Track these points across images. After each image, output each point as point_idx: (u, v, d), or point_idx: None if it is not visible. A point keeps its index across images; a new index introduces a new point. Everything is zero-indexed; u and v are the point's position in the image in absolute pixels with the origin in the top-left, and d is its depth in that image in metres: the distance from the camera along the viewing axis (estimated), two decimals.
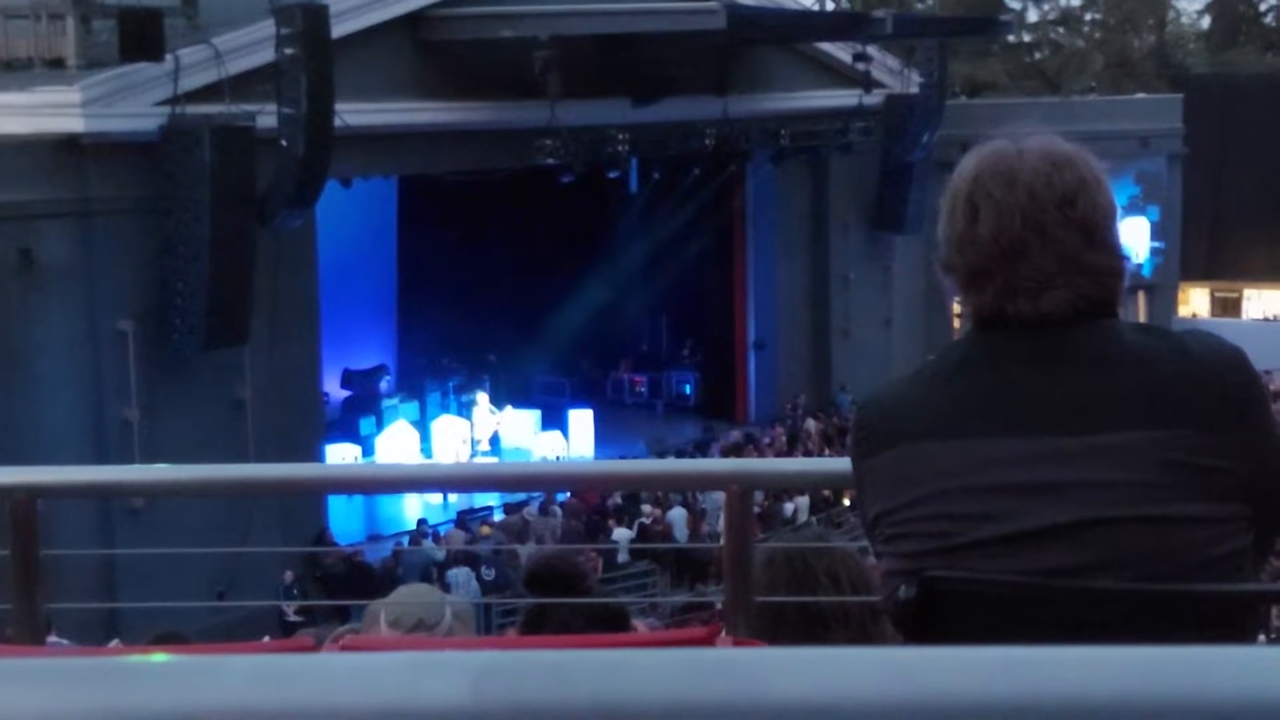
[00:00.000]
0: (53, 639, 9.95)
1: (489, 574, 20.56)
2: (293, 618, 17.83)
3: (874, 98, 29.68)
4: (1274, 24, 55.69)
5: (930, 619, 2.10)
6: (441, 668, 1.01)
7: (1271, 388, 26.25)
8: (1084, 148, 2.22)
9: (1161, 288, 35.82)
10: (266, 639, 13.76)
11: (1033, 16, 53.92)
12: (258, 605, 18.45)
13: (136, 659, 1.04)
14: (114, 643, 9.97)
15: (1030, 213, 2.14)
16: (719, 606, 3.89)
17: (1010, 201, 2.14)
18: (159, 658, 1.06)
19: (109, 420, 19.67)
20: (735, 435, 28.48)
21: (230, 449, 19.55)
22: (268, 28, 19.70)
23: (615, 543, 21.97)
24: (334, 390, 27.47)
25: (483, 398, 28.34)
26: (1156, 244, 35.52)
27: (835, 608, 3.49)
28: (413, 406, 28.24)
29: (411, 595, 4.08)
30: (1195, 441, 2.07)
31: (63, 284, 19.34)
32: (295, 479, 5.15)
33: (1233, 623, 2.07)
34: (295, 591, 19.23)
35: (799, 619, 3.49)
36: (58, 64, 20.02)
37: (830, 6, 36.55)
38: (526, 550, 20.24)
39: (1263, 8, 56.11)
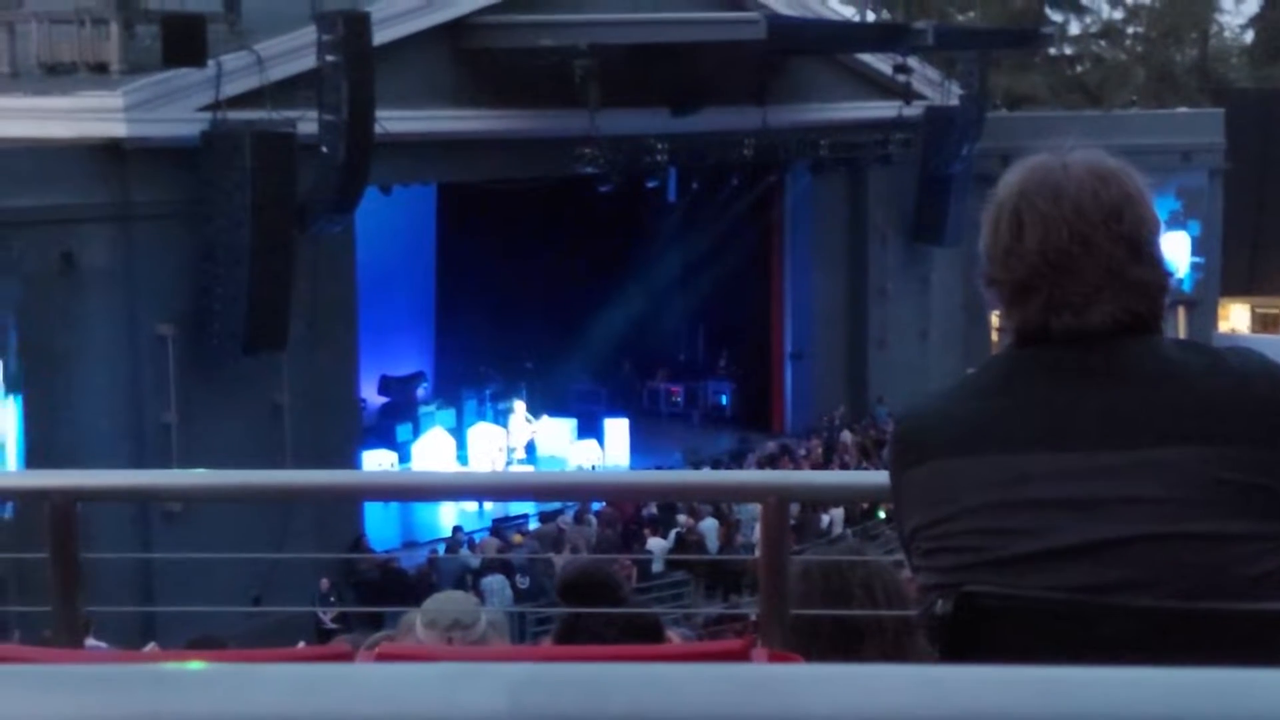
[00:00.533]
0: (91, 642, 10.01)
1: (524, 582, 20.57)
2: (330, 625, 17.87)
3: (914, 109, 29.60)
4: None
5: (967, 634, 2.09)
6: (478, 679, 1.01)
7: None
8: (1127, 162, 2.22)
9: (1202, 303, 35.57)
10: (302, 645, 13.81)
11: (1075, 29, 53.74)
12: (293, 611, 18.51)
13: (172, 666, 1.05)
14: (151, 646, 10.03)
15: (1077, 227, 2.13)
16: (753, 618, 3.88)
17: (1056, 215, 2.14)
18: (196, 665, 1.07)
19: (148, 424, 19.78)
20: (771, 446, 28.43)
21: (267, 454, 19.63)
22: (309, 34, 19.81)
23: (650, 553, 21.95)
24: (371, 396, 27.56)
25: (519, 405, 28.38)
26: (1197, 259, 35.28)
27: (869, 620, 3.48)
28: (449, 414, 28.30)
29: (447, 601, 4.09)
30: (1236, 458, 2.05)
31: (103, 288, 19.47)
32: (332, 485, 5.17)
33: (1271, 642, 2.05)
34: (332, 599, 19.28)
35: (833, 631, 3.48)
36: (101, 69, 20.18)
37: (870, 18, 36.52)
38: (561, 559, 20.26)
39: None
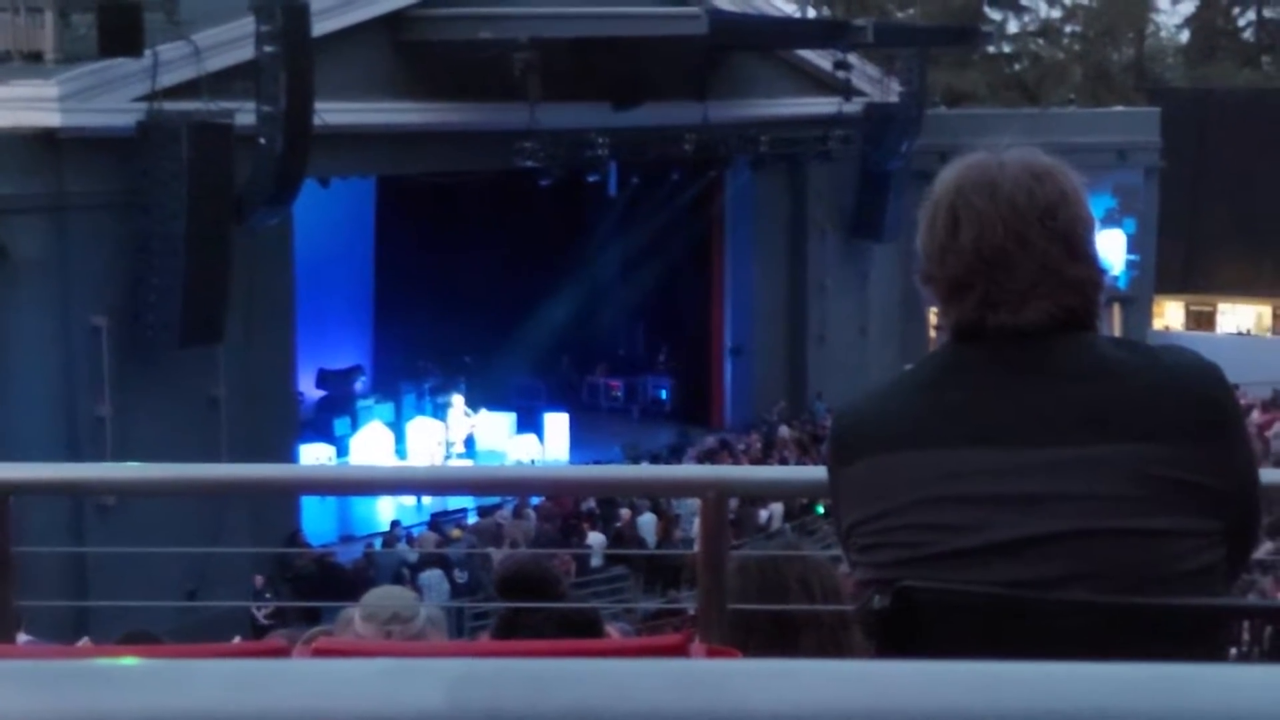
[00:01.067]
0: (23, 637, 9.89)
1: (461, 577, 20.53)
2: (264, 621, 17.73)
3: (854, 106, 29.74)
4: (1251, 39, 56.02)
5: (904, 629, 2.10)
6: (417, 675, 1.01)
7: (1244, 402, 26.44)
8: (1062, 160, 2.23)
9: (1137, 300, 35.95)
10: (237, 640, 13.71)
11: (1013, 28, 54.18)
12: (228, 606, 18.38)
13: (107, 662, 1.03)
14: (84, 641, 9.91)
15: (1012, 224, 2.15)
16: (691, 613, 3.89)
17: (992, 212, 2.15)
18: (130, 661, 1.06)
19: (81, 417, 19.58)
20: (710, 441, 28.49)
21: (203, 447, 19.48)
22: (248, 25, 19.66)
23: (589, 547, 21.94)
24: (309, 390, 27.39)
25: (458, 399, 28.31)
26: (1132, 256, 35.66)
27: (806, 614, 3.50)
28: (388, 407, 28.18)
29: (385, 596, 4.08)
30: (1170, 456, 2.07)
31: (37, 279, 19.26)
32: (267, 479, 5.13)
33: (1205, 637, 2.08)
34: (267, 595, 19.14)
35: (769, 626, 3.49)
36: (35, 58, 19.94)
37: (811, 14, 36.66)
38: (499, 553, 20.21)
39: (1241, 23, 56.44)
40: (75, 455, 18.74)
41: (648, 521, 22.93)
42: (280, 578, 20.77)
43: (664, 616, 18.23)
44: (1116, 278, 34.43)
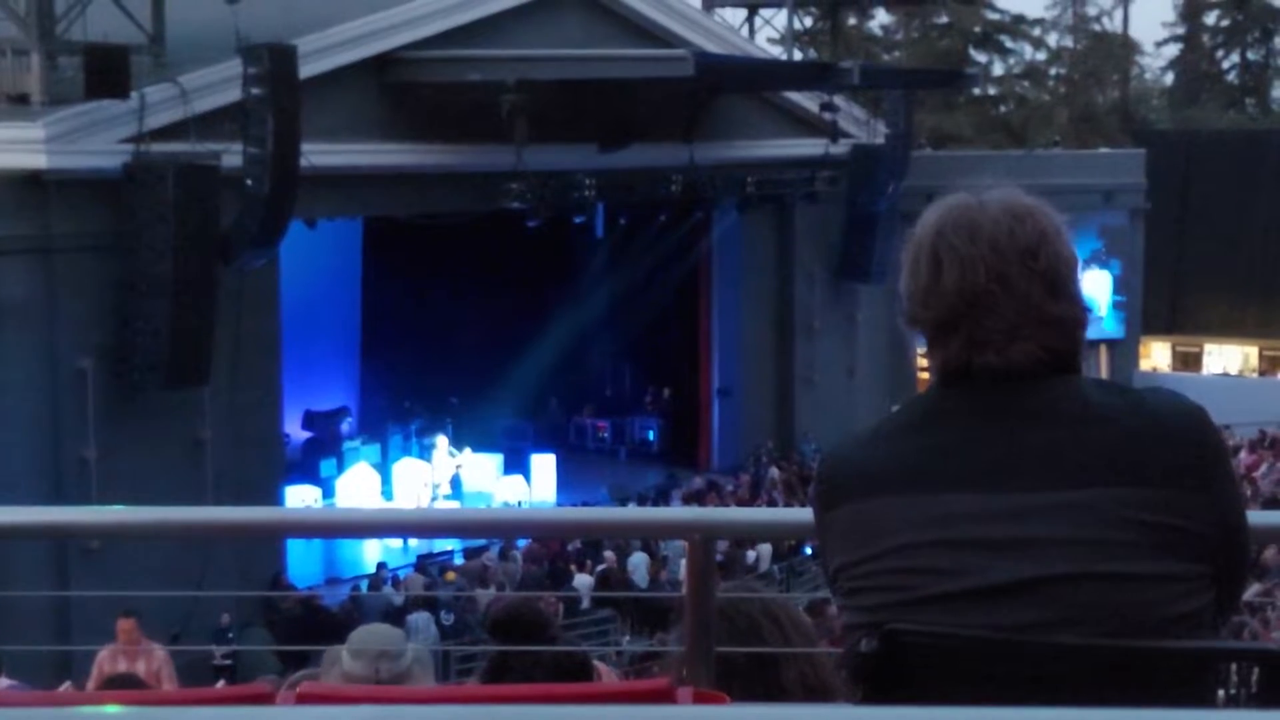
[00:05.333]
0: (4, 681, 9.83)
1: (448, 619, 20.43)
2: (221, 662, 17.50)
3: (840, 147, 29.86)
4: (1235, 82, 56.43)
5: (891, 672, 2.09)
6: None
7: (1231, 443, 26.50)
8: (1044, 200, 2.23)
9: (1123, 342, 36.05)
10: (221, 683, 13.64)
11: (998, 70, 54.56)
12: (213, 649, 18.26)
13: (91, 710, 1.02)
14: (66, 685, 9.86)
15: (994, 265, 2.14)
16: (669, 656, 3.87)
17: (973, 254, 2.15)
18: (113, 709, 1.05)
19: (66, 459, 19.50)
20: (698, 482, 28.46)
21: (189, 489, 19.40)
22: (235, 67, 19.69)
23: (576, 589, 21.86)
24: (295, 431, 27.34)
25: (442, 440, 28.25)
26: (1118, 298, 35.77)
27: (782, 645, 3.51)
28: (374, 449, 28.13)
29: (373, 633, 4.05)
30: (1157, 500, 2.07)
31: (22, 320, 19.21)
32: (253, 522, 5.11)
33: (1193, 680, 2.07)
34: (230, 635, 18.97)
35: (748, 664, 3.49)
36: (22, 100, 19.95)
37: (797, 56, 36.86)
38: (486, 596, 20.14)
39: (1225, 65, 56.87)
40: (60, 497, 18.65)
41: (639, 562, 22.84)
42: (264, 620, 20.65)
43: (652, 659, 18.16)
44: (1102, 319, 34.55)
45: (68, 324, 19.56)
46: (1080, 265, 2.24)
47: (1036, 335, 2.14)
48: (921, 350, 2.26)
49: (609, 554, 22.97)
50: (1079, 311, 2.19)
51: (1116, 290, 35.50)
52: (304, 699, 3.15)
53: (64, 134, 19.58)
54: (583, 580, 22.29)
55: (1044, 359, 2.15)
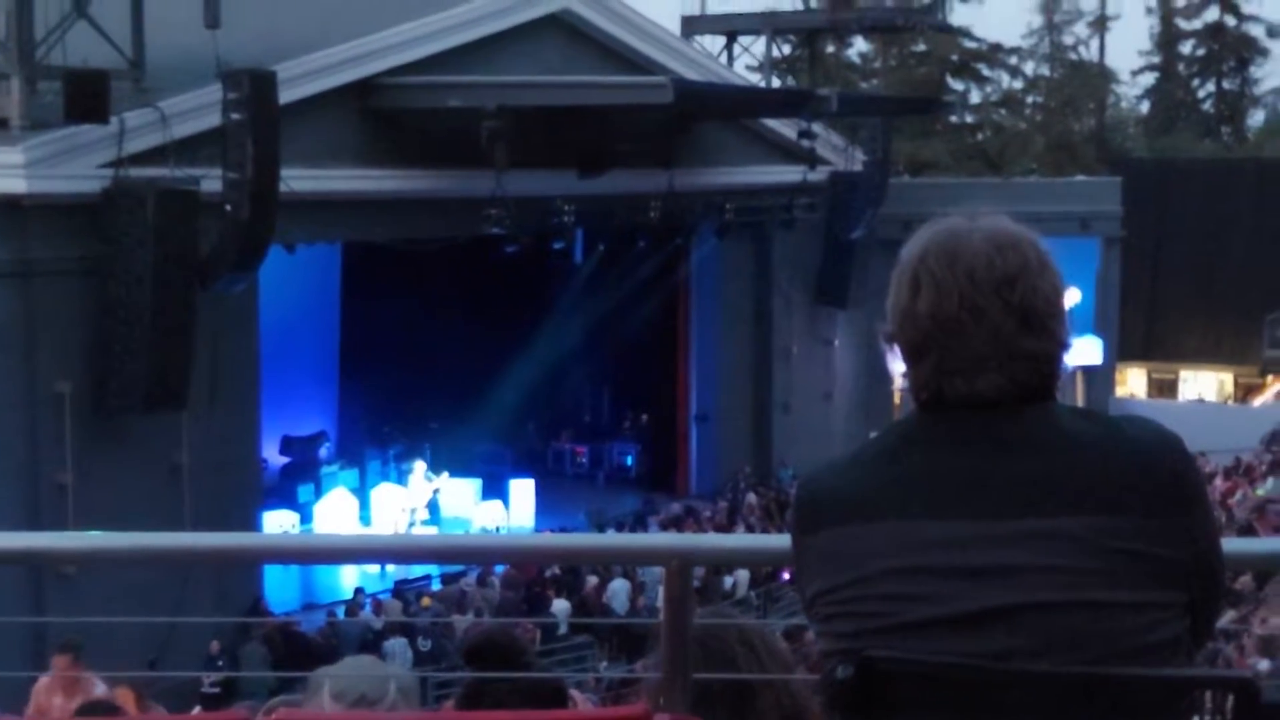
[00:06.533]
0: None
1: (425, 645, 20.37)
2: (209, 689, 17.44)
3: (818, 174, 29.97)
4: (1211, 110, 56.81)
5: (867, 699, 2.09)
6: None
7: (1206, 470, 26.59)
8: (1032, 231, 2.23)
9: (1100, 368, 36.15)
10: (198, 710, 13.57)
11: (975, 98, 54.82)
12: (190, 676, 18.17)
13: None
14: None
15: (968, 294, 2.15)
16: (646, 683, 3.87)
17: (950, 281, 2.16)
18: None
19: (43, 484, 19.42)
20: (676, 508, 28.45)
21: (166, 515, 19.33)
22: (214, 92, 19.69)
23: (554, 615, 21.82)
24: (273, 457, 27.27)
25: (419, 465, 28.20)
26: (1095, 336, 35.74)
27: (759, 671, 3.52)
28: (352, 474, 28.07)
29: (357, 667, 4.03)
30: (1132, 528, 2.08)
31: (1, 344, 19.14)
32: (230, 548, 5.09)
33: (1167, 708, 2.08)
34: (220, 663, 18.90)
35: (725, 690, 3.50)
36: (1, 124, 19.92)
37: (776, 84, 36.99)
38: (464, 622, 20.08)
39: (1200, 94, 57.25)
40: (36, 523, 18.55)
41: (620, 588, 22.81)
42: (240, 646, 20.56)
43: (630, 685, 18.12)
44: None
45: (45, 348, 19.49)
46: (1061, 299, 2.21)
47: (1005, 368, 2.14)
48: (901, 371, 2.27)
49: (590, 580, 22.94)
50: (1052, 346, 2.17)
51: (1093, 318, 35.55)
52: None
53: (43, 158, 19.55)
54: (560, 606, 22.26)
55: (1011, 391, 2.15)
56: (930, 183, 39.35)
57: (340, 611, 22.17)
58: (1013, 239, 2.18)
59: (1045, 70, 55.92)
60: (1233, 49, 55.29)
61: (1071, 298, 31.13)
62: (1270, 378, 39.22)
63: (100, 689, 9.15)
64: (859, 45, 52.51)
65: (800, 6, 40.80)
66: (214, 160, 19.62)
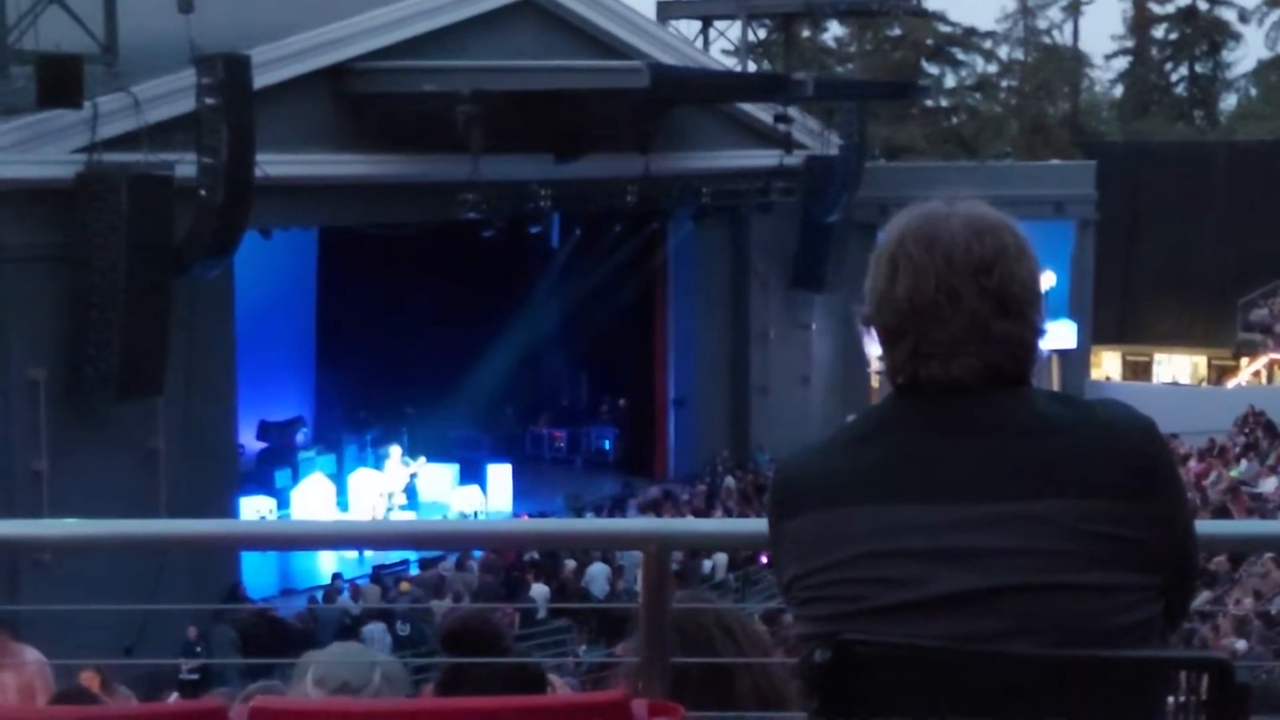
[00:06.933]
0: None
1: (404, 629, 20.36)
2: (187, 676, 17.38)
3: (794, 158, 29.98)
4: (1184, 94, 56.95)
5: (844, 683, 2.10)
6: None
7: (1180, 452, 26.71)
8: (1010, 216, 2.24)
9: (1074, 352, 36.24)
10: (174, 697, 13.54)
11: (950, 82, 54.84)
12: (167, 663, 18.13)
13: None
14: None
15: (945, 277, 2.16)
16: (624, 667, 3.87)
17: (927, 264, 2.16)
18: None
19: (18, 471, 19.34)
20: (654, 492, 28.48)
21: (142, 501, 19.29)
22: (188, 77, 19.60)
23: (533, 600, 21.83)
24: (250, 442, 27.20)
25: (395, 450, 28.15)
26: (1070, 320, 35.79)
27: (736, 655, 3.53)
28: (329, 459, 28.02)
29: (343, 654, 4.03)
30: (1106, 511, 2.09)
31: None
32: (207, 535, 5.08)
33: (1143, 689, 2.09)
34: (198, 650, 18.85)
35: (701, 675, 3.51)
36: None
37: (751, 68, 36.96)
38: (442, 606, 20.07)
39: (1173, 78, 57.39)
40: (11, 510, 18.49)
41: (599, 572, 22.83)
42: (219, 632, 20.52)
43: (608, 668, 18.13)
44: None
45: (19, 335, 19.41)
46: (1039, 285, 2.23)
47: (980, 352, 2.16)
48: (877, 354, 2.28)
49: (569, 564, 22.95)
50: (1027, 332, 2.19)
51: (1068, 301, 35.62)
52: (256, 715, 3.13)
53: (16, 144, 19.44)
54: (539, 590, 22.27)
55: (986, 375, 2.16)
56: (906, 167, 39.38)
57: (319, 597, 22.15)
58: (991, 224, 2.20)
59: (1020, 54, 55.97)
60: (1205, 33, 55.42)
61: (1048, 281, 31.39)
62: (1244, 360, 39.39)
63: (31, 655, 9.13)
64: (834, 29, 52.47)
65: None
66: (188, 145, 19.55)
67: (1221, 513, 21.19)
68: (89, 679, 8.63)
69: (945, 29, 54.04)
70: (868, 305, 2.23)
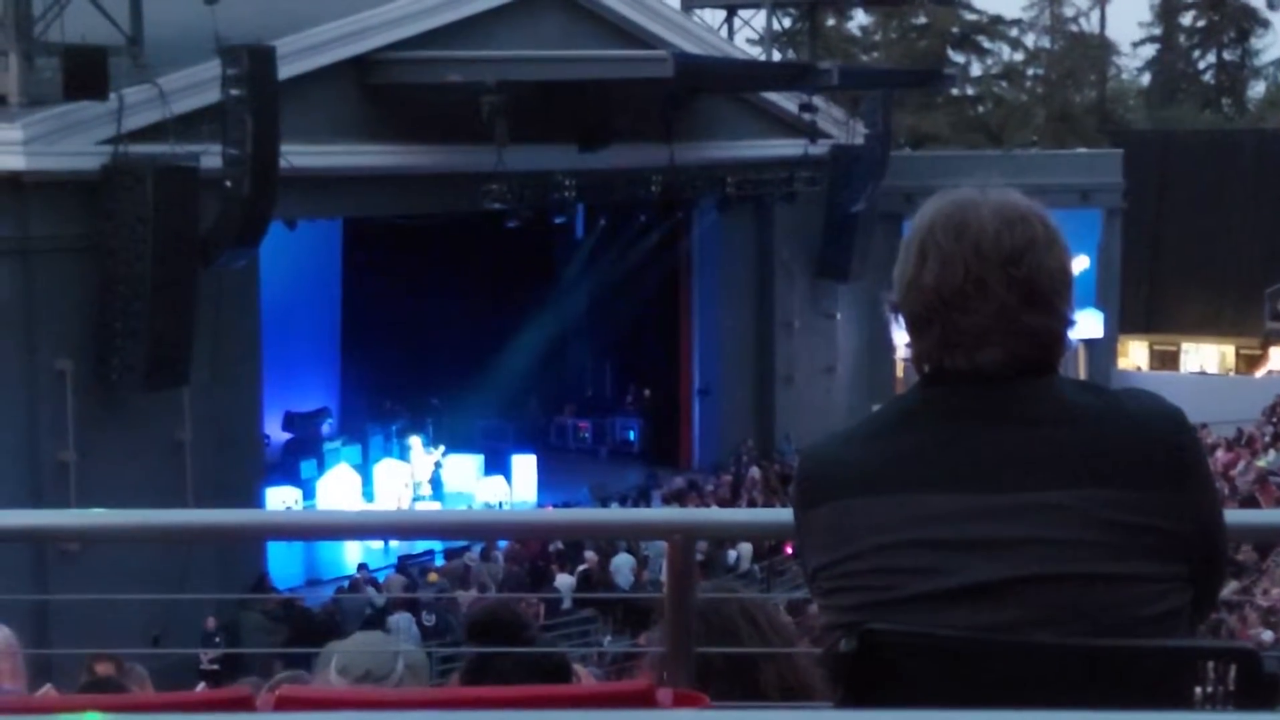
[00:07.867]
0: None
1: (429, 620, 20.41)
2: (207, 666, 17.47)
3: (819, 148, 29.89)
4: (1211, 82, 56.63)
5: (869, 672, 2.10)
6: None
7: (1208, 442, 26.59)
8: (1042, 206, 2.21)
9: (1101, 341, 36.10)
10: (202, 687, 13.61)
11: (976, 70, 54.66)
12: (193, 653, 18.21)
13: (69, 718, 1.03)
14: (46, 689, 9.80)
15: (973, 266, 2.14)
16: (649, 657, 3.87)
17: (955, 253, 2.15)
18: (92, 717, 1.05)
19: (45, 462, 19.43)
20: (679, 482, 28.47)
21: (169, 491, 19.35)
22: (214, 68, 19.64)
23: (558, 590, 21.85)
24: (275, 433, 27.28)
25: (416, 440, 28.18)
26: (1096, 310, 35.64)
27: (760, 645, 3.53)
28: (355, 449, 28.08)
29: (366, 644, 4.04)
30: (1134, 501, 2.08)
31: (1, 322, 19.12)
32: (233, 525, 5.10)
33: (1170, 679, 2.08)
34: (217, 639, 18.92)
35: (726, 664, 3.50)
36: (0, 101, 19.88)
37: (776, 57, 36.88)
38: (468, 596, 20.11)
39: (1201, 66, 57.07)
40: (39, 501, 18.58)
41: (624, 562, 22.82)
42: (244, 623, 20.60)
43: (634, 659, 18.16)
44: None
45: (46, 326, 19.48)
46: (1069, 276, 2.20)
47: (1006, 342, 2.14)
48: (904, 342, 2.26)
49: (590, 554, 22.97)
50: (1055, 322, 2.17)
51: (1094, 290, 35.48)
52: (282, 704, 3.14)
53: (42, 135, 19.51)
54: (564, 581, 22.29)
55: (1012, 365, 2.15)
56: (931, 155, 39.23)
57: (345, 587, 22.20)
58: (1021, 213, 2.18)
59: (1046, 42, 55.74)
60: (1233, 20, 55.08)
61: (1080, 264, 31.29)
62: (1272, 349, 39.17)
63: (3, 632, 9.12)
64: (860, 18, 52.34)
65: None
66: (214, 136, 19.59)
67: (1249, 502, 21.08)
68: (104, 668, 8.65)
69: (971, 17, 53.88)
70: (896, 292, 2.21)
